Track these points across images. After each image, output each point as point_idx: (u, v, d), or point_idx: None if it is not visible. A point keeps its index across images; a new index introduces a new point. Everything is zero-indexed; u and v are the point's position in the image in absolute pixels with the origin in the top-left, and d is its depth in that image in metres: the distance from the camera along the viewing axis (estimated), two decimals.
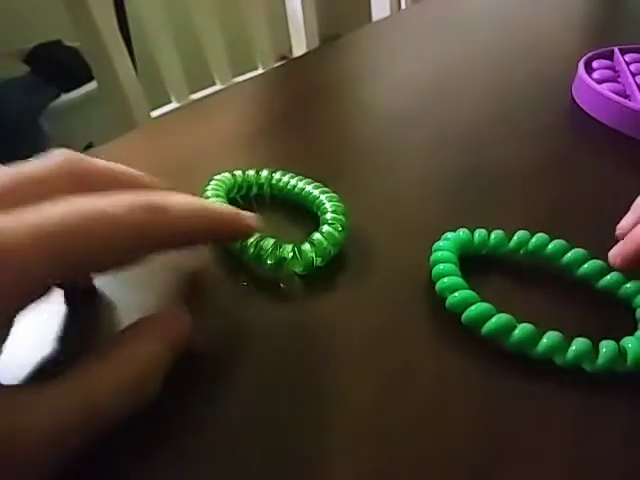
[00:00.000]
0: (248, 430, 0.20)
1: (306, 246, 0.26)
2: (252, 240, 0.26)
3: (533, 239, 0.26)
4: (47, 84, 1.24)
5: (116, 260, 0.21)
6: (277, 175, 0.31)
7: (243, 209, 0.24)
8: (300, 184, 0.31)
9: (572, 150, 0.38)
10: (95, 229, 0.16)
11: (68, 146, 0.21)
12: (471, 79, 0.48)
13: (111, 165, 0.21)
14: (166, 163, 0.36)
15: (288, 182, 0.31)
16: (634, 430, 0.20)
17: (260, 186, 0.32)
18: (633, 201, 0.27)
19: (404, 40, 0.58)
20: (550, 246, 0.26)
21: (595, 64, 0.46)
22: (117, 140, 0.39)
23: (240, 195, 0.32)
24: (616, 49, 0.48)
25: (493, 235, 0.27)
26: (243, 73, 0.83)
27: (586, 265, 0.25)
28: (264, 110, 0.45)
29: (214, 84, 0.81)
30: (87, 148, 1.22)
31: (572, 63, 0.45)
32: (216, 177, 0.31)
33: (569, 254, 0.25)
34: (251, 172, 0.31)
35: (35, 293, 0.17)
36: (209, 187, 0.30)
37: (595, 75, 0.44)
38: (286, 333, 0.24)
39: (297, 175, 0.31)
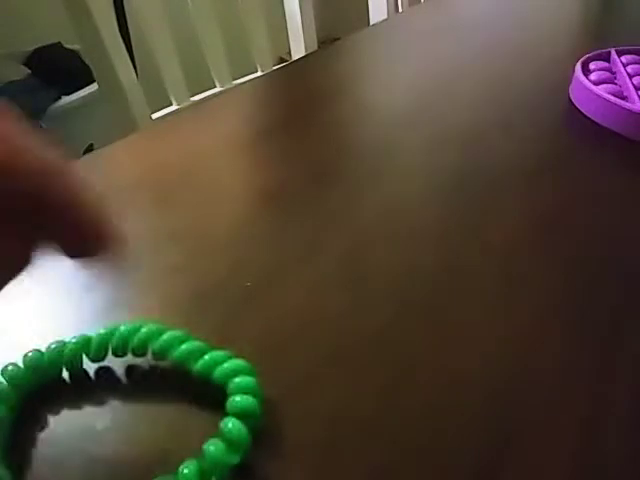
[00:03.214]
0: None
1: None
2: None
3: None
4: (48, 87, 1.25)
5: None
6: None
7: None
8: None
9: (569, 151, 0.38)
10: None
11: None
12: (469, 81, 0.49)
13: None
14: (167, 165, 0.36)
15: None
16: (635, 442, 0.20)
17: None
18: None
19: (402, 43, 0.58)
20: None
21: (592, 66, 0.46)
22: (118, 142, 0.39)
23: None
24: (613, 51, 0.48)
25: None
26: (242, 76, 0.83)
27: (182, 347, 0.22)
28: (263, 112, 0.45)
29: (214, 86, 0.81)
30: (88, 150, 1.22)
31: (569, 65, 0.45)
32: None
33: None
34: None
35: None
36: None
37: (592, 77, 0.44)
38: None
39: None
